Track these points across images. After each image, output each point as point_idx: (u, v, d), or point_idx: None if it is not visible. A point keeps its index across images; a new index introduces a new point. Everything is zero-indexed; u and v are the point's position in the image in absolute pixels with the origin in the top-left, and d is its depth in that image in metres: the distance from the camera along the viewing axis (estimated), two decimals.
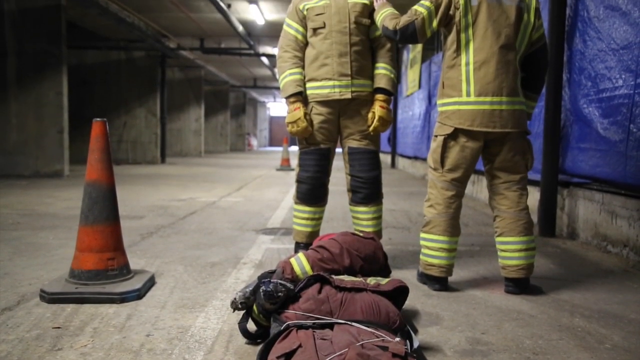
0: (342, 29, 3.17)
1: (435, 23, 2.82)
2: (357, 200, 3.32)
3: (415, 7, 2.86)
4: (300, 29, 3.28)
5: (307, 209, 3.39)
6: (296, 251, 3.43)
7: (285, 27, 3.34)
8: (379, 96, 3.25)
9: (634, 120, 3.49)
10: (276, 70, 3.41)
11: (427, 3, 2.82)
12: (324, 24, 3.18)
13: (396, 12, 3.03)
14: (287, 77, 3.25)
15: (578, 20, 4.32)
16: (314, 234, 3.42)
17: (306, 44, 3.30)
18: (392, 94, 3.28)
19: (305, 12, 3.24)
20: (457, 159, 2.85)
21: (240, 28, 12.33)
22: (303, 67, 3.29)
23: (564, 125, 4.53)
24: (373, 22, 3.21)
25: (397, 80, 3.38)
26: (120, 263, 2.73)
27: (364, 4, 3.20)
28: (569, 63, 4.45)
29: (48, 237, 4.10)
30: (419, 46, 10.95)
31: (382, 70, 3.27)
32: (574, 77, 4.36)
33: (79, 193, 6.22)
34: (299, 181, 3.38)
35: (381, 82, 3.25)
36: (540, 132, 4.72)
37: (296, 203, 3.43)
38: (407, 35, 2.88)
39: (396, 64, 3.37)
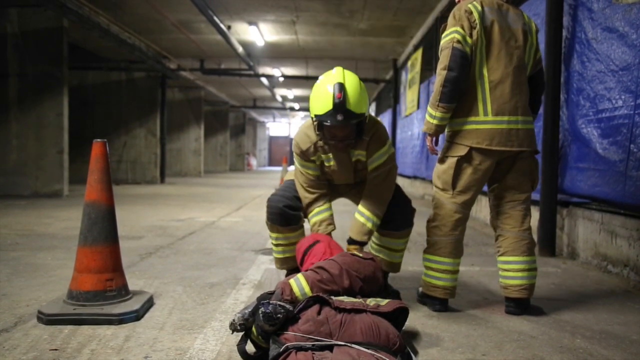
0: (346, 184, 3.15)
1: (469, 40, 2.73)
2: (393, 228, 3.05)
3: (444, 39, 2.78)
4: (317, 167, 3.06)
5: (278, 234, 3.11)
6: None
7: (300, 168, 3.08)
8: (349, 247, 2.96)
9: (634, 140, 3.50)
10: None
11: (452, 28, 2.75)
12: (331, 178, 3.11)
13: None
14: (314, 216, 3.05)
15: (575, 42, 4.36)
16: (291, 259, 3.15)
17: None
18: (363, 244, 2.98)
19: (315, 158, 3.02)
20: (469, 181, 2.83)
21: (240, 49, 12.43)
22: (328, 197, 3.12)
23: (562, 145, 4.55)
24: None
25: (375, 228, 2.99)
26: (119, 284, 2.71)
27: (364, 161, 2.99)
28: (567, 84, 4.48)
29: (46, 258, 4.09)
30: (418, 67, 11.04)
31: (359, 216, 2.98)
32: (571, 97, 4.39)
33: (78, 213, 6.21)
34: (268, 204, 3.09)
35: (352, 231, 2.98)
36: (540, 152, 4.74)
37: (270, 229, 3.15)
38: (458, 61, 2.69)
39: (383, 209, 2.98)
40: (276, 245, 3.15)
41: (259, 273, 3.75)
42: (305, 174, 3.04)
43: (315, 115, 2.76)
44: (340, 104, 2.65)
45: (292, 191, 3.09)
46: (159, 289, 3.21)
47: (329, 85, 2.70)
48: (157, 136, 15.28)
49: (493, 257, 3.02)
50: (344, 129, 2.75)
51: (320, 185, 3.06)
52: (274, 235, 3.12)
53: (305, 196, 3.05)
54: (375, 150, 2.93)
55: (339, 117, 2.67)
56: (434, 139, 2.89)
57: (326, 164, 3.01)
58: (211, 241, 5.09)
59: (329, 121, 2.70)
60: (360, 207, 2.99)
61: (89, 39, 11.98)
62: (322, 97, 2.72)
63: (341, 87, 2.67)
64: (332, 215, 3.05)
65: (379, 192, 2.95)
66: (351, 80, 2.74)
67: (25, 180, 9.54)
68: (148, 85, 15.22)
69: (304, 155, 2.99)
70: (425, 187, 10.71)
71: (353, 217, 3.01)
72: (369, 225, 2.94)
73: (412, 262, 4.13)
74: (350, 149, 2.92)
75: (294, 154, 3.07)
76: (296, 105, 28.69)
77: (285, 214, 3.02)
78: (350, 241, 2.98)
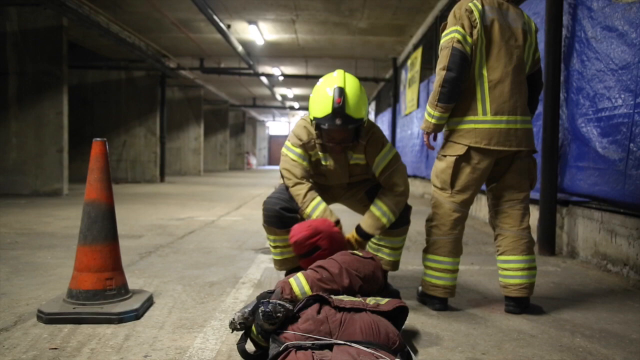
0: (341, 184, 3.12)
1: (469, 39, 2.73)
2: (391, 226, 2.97)
3: (444, 38, 2.77)
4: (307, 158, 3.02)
5: (275, 237, 3.05)
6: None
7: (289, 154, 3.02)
8: (356, 236, 2.92)
9: (634, 139, 3.50)
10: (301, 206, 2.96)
11: (452, 27, 2.74)
12: (325, 177, 3.08)
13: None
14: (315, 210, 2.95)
15: (575, 41, 4.36)
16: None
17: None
18: (371, 237, 2.96)
19: (311, 153, 3.01)
20: (467, 180, 2.82)
21: (239, 48, 12.43)
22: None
23: (561, 144, 4.55)
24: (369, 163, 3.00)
25: (388, 225, 2.93)
26: (119, 283, 2.71)
27: (362, 165, 3.01)
28: (566, 83, 4.48)
29: (46, 257, 4.09)
30: (417, 66, 11.03)
31: (375, 210, 2.90)
32: (571, 96, 4.39)
33: (78, 212, 6.21)
34: (264, 207, 3.02)
35: (365, 223, 2.90)
36: (539, 151, 4.74)
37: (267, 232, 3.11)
38: (457, 61, 2.68)
39: (397, 209, 2.92)
40: (274, 247, 3.12)
41: (259, 272, 3.75)
42: (301, 165, 2.96)
43: (314, 118, 2.76)
44: (340, 108, 2.66)
45: (288, 193, 3.07)
46: (159, 288, 3.21)
47: (329, 88, 2.71)
48: (157, 135, 15.28)
49: (492, 256, 3.02)
50: (341, 132, 2.75)
51: (310, 177, 3.00)
52: (271, 237, 3.09)
53: (299, 188, 2.95)
54: (375, 154, 2.92)
55: (338, 122, 2.68)
56: (432, 135, 2.90)
57: (322, 162, 3.01)
58: (211, 240, 5.09)
59: (327, 125, 2.71)
60: (378, 201, 2.91)
61: (88, 37, 11.98)
62: (321, 101, 2.72)
63: (341, 91, 2.68)
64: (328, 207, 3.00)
65: (394, 191, 2.91)
66: (351, 85, 2.74)
67: (24, 179, 9.54)
68: (148, 84, 15.22)
69: (304, 146, 2.96)
70: (425, 186, 10.71)
71: (368, 210, 2.92)
72: (384, 220, 2.88)
73: (412, 261, 4.13)
74: (348, 151, 2.92)
75: (289, 146, 2.99)
76: (296, 104, 28.69)
77: (282, 217, 2.98)
78: (360, 232, 2.90)
